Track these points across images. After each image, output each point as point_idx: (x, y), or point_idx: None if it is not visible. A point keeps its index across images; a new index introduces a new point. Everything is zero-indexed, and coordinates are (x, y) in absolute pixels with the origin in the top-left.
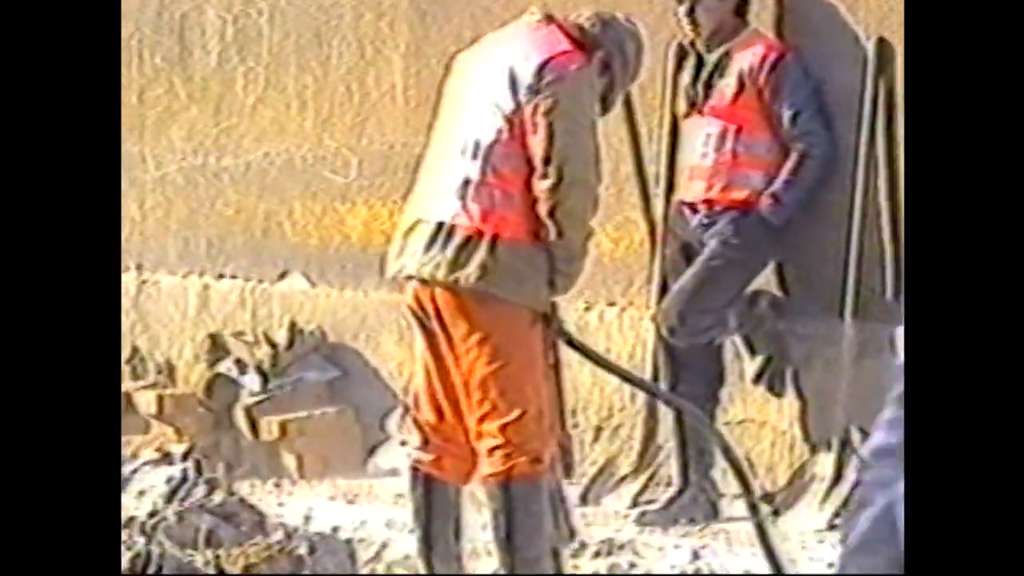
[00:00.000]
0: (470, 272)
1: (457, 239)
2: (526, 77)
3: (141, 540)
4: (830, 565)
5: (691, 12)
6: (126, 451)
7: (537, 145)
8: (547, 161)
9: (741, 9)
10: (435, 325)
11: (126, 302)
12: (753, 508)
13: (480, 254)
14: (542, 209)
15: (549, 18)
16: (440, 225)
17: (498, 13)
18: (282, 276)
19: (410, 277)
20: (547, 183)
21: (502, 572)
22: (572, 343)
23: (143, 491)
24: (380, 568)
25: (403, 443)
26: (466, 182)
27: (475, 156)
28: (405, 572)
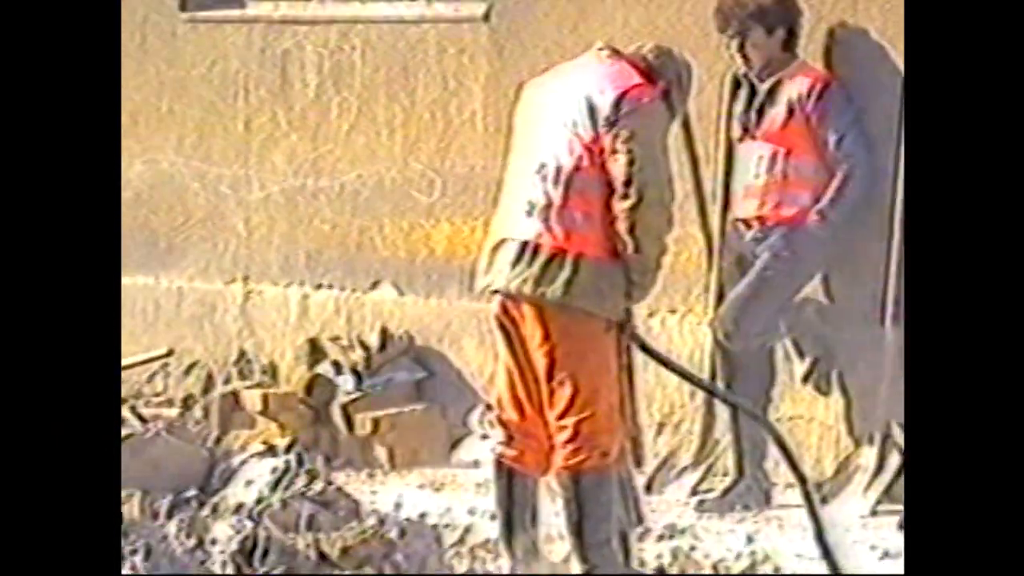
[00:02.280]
0: (556, 288)
1: (542, 257)
2: (604, 109)
3: (249, 524)
4: (872, 548)
5: (742, 48)
6: (235, 444)
7: (618, 170)
8: (628, 183)
9: (789, 44)
10: (520, 333)
11: (234, 310)
12: (805, 496)
13: (565, 272)
14: (622, 227)
15: (616, 51)
16: (525, 244)
17: (569, 47)
18: (374, 286)
19: (498, 291)
20: (628, 203)
21: (573, 555)
22: (643, 347)
23: (250, 480)
24: (464, 551)
25: (484, 437)
26: (548, 204)
27: (556, 182)
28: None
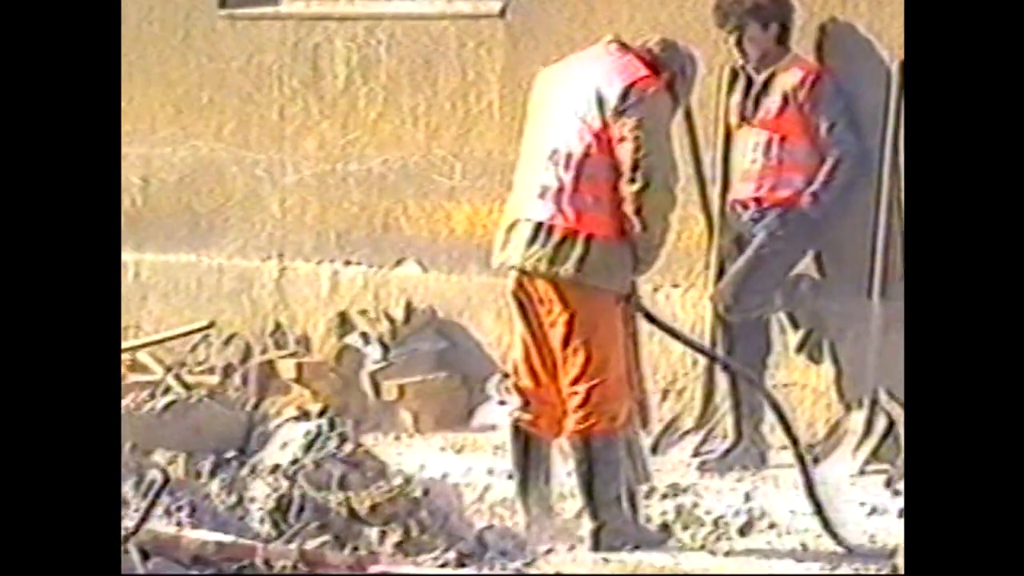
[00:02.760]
0: (568, 266)
1: (555, 237)
2: (612, 99)
3: (285, 483)
4: (861, 504)
5: (739, 42)
6: (271, 409)
7: (625, 155)
8: (634, 168)
9: (782, 38)
10: (535, 307)
11: (270, 285)
12: (799, 457)
13: (576, 251)
14: (629, 208)
15: (623, 45)
16: (539, 224)
17: (579, 41)
18: (399, 263)
19: (514, 268)
20: (635, 186)
21: (584, 511)
22: (649, 318)
23: (285, 443)
24: (483, 508)
25: (501, 403)
26: (560, 188)
27: (567, 167)
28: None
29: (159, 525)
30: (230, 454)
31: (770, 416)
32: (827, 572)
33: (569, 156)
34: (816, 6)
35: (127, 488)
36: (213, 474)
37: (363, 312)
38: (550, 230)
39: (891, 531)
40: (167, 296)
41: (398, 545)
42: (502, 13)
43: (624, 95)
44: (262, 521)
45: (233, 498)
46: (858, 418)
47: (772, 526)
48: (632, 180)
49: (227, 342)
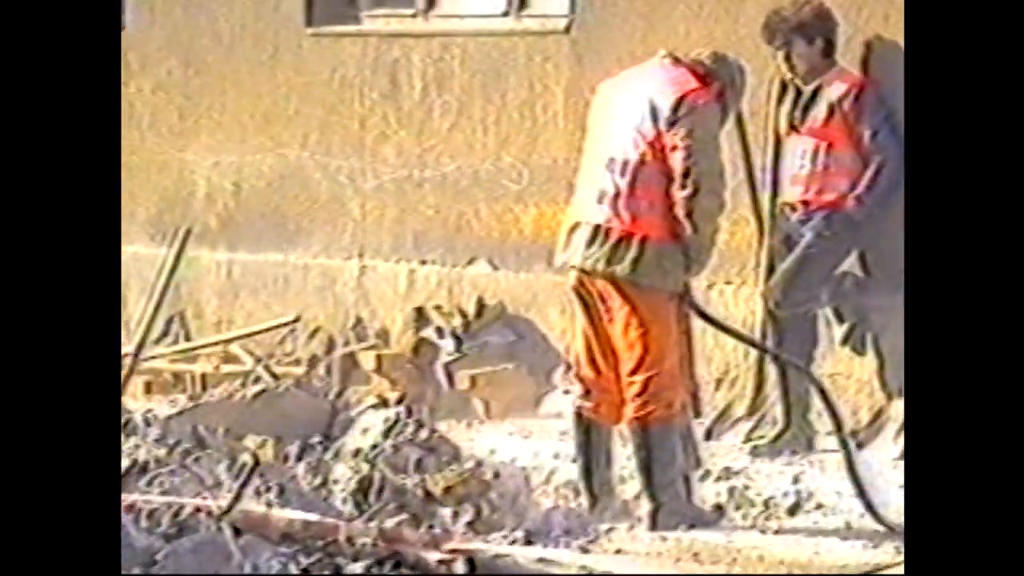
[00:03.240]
0: (624, 266)
1: (612, 239)
2: (665, 110)
3: (365, 466)
4: (900, 487)
5: (787, 57)
6: (353, 398)
7: (677, 163)
8: (686, 175)
9: (827, 52)
10: (594, 303)
11: (352, 283)
12: (843, 442)
13: (632, 252)
14: (681, 212)
15: (676, 58)
16: (597, 227)
17: (640, 56)
18: (471, 262)
19: (574, 267)
20: (686, 192)
21: (643, 493)
22: (701, 314)
23: (366, 429)
24: (549, 490)
25: (566, 392)
26: (616, 194)
27: (623, 173)
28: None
29: (250, 504)
30: (315, 439)
31: (817, 404)
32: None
33: (625, 163)
34: (861, 22)
35: (221, 470)
36: (299, 458)
37: (438, 307)
38: (607, 232)
39: None
40: (257, 293)
41: (470, 524)
42: (567, 30)
43: (676, 106)
44: (344, 501)
45: (318, 480)
46: (899, 406)
47: (819, 506)
48: (683, 186)
49: (312, 335)
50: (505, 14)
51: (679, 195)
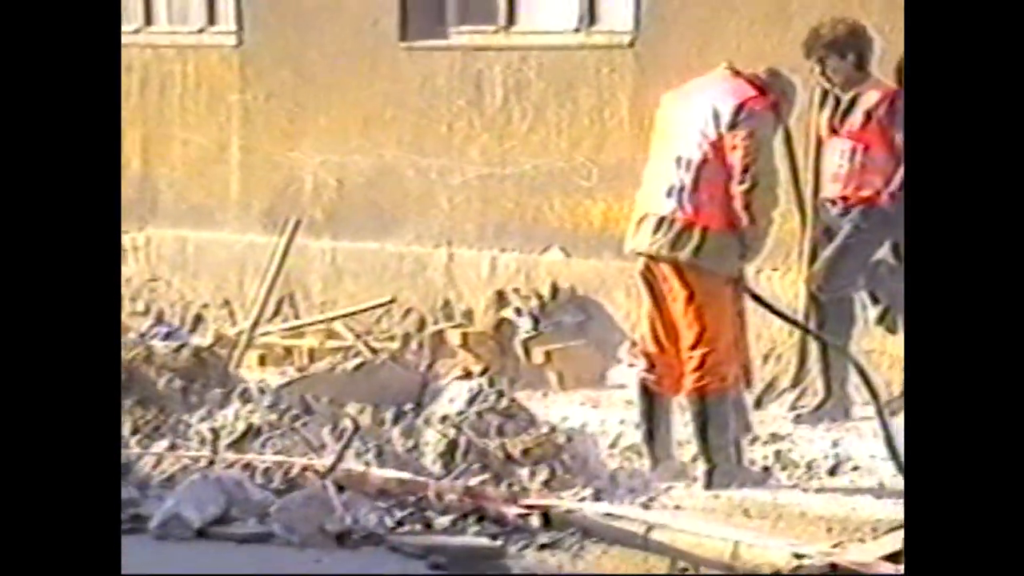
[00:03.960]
0: (687, 252)
1: (676, 228)
2: (726, 115)
3: (452, 431)
4: None
5: (823, 70)
6: (441, 370)
7: (736, 161)
8: (744, 172)
9: (860, 65)
10: (659, 286)
11: (440, 268)
12: (878, 411)
13: (694, 240)
14: (738, 205)
15: (736, 70)
16: (663, 218)
17: (696, 68)
18: (546, 250)
19: (641, 253)
20: (744, 187)
21: (699, 456)
22: (754, 296)
23: (453, 398)
24: (615, 452)
25: (631, 366)
26: (681, 188)
27: (688, 170)
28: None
29: (351, 464)
30: (408, 407)
31: (854, 377)
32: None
33: (690, 161)
34: (893, 37)
35: (325, 434)
36: (394, 423)
37: (516, 291)
38: (672, 222)
39: None
40: (357, 277)
41: (545, 482)
42: (631, 44)
43: (736, 111)
44: (433, 462)
45: (410, 443)
46: None
47: (855, 468)
48: (741, 182)
49: (405, 315)
50: (576, 30)
51: (737, 190)
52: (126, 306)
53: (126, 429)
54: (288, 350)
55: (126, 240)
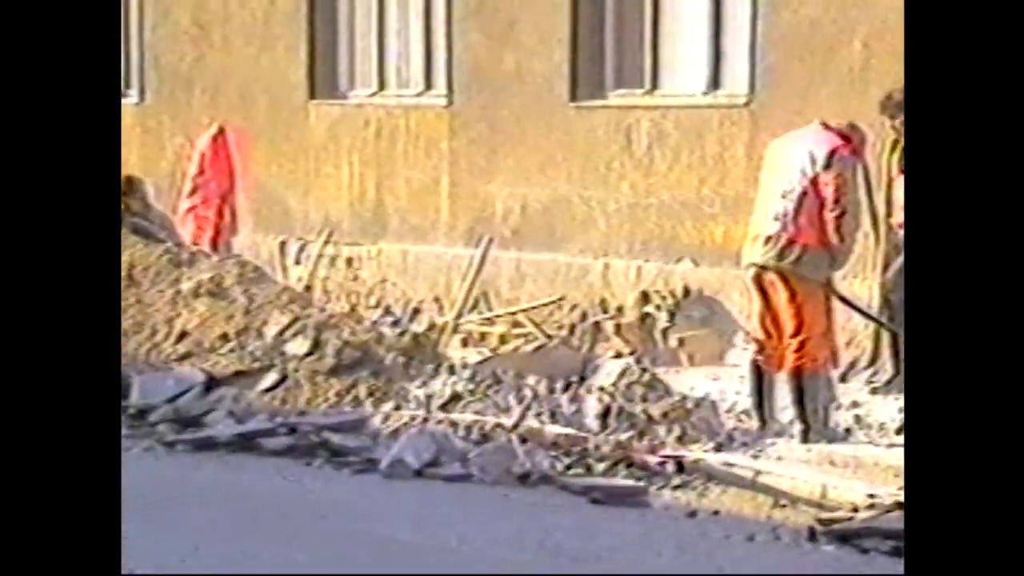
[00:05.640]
0: (788, 263)
1: (781, 244)
2: (820, 159)
3: (607, 398)
4: None
5: (893, 124)
6: (599, 351)
7: (828, 194)
8: (835, 202)
9: None
10: (767, 289)
11: (598, 274)
12: None
13: (794, 254)
14: (830, 228)
15: (827, 124)
16: (770, 237)
17: (796, 123)
18: (679, 261)
19: (754, 264)
20: (834, 214)
21: (796, 419)
22: (840, 297)
23: (608, 372)
24: (731, 416)
25: (744, 349)
26: (785, 214)
27: (790, 200)
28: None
29: (530, 422)
30: (573, 379)
31: None
32: None
33: (792, 193)
34: None
35: (511, 399)
36: (563, 391)
37: (657, 292)
38: (778, 240)
39: None
40: (535, 280)
41: (678, 438)
42: (746, 104)
43: (828, 156)
44: (593, 421)
45: (575, 407)
46: None
47: None
48: (832, 210)
49: (571, 310)
50: (704, 93)
51: (829, 216)
52: (362, 301)
53: (362, 393)
54: (483, 335)
55: (363, 252)
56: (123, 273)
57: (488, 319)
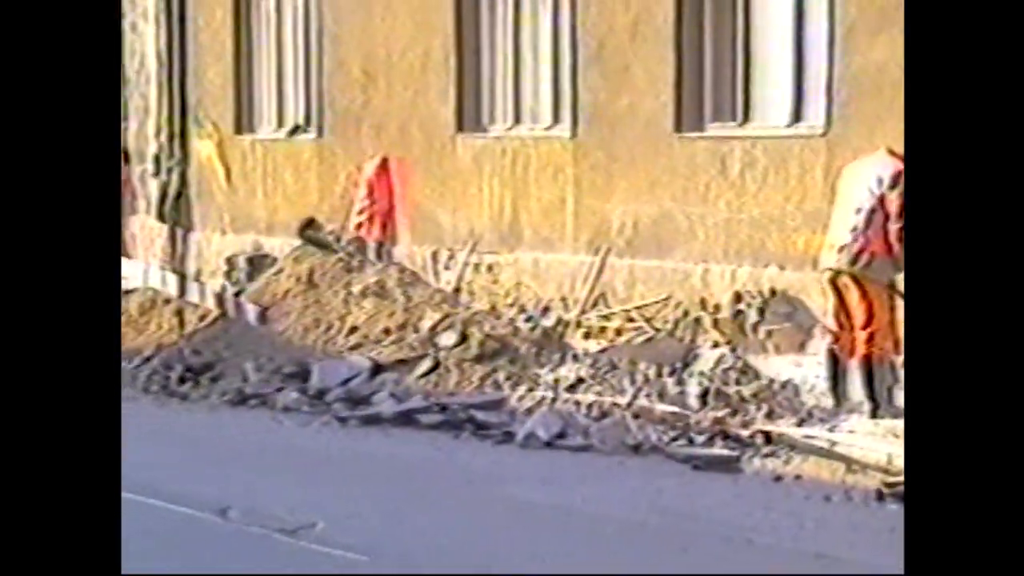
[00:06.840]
0: (859, 267)
1: (853, 252)
2: (886, 179)
3: (706, 381)
4: None
5: None
6: (699, 341)
7: (894, 210)
8: (900, 216)
9: None
10: (841, 289)
11: (698, 277)
12: None
13: (864, 260)
14: (894, 238)
15: (892, 151)
16: (844, 246)
17: (867, 149)
18: (766, 265)
19: (830, 269)
20: (898, 226)
21: (865, 398)
22: (902, 295)
23: (707, 359)
24: (811, 395)
25: (822, 339)
26: (856, 227)
27: (861, 215)
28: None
29: (641, 401)
30: (678, 365)
31: None
32: None
33: (861, 209)
34: None
35: (625, 382)
36: (669, 375)
37: (748, 292)
38: (851, 248)
39: None
40: (646, 283)
41: (766, 415)
42: (823, 134)
43: (894, 178)
44: (694, 401)
45: (678, 388)
46: None
47: None
48: (896, 222)
49: (676, 307)
50: (788, 125)
51: (893, 228)
52: (501, 301)
53: (501, 378)
54: (602, 329)
55: (501, 259)
56: (305, 278)
57: (606, 315)
